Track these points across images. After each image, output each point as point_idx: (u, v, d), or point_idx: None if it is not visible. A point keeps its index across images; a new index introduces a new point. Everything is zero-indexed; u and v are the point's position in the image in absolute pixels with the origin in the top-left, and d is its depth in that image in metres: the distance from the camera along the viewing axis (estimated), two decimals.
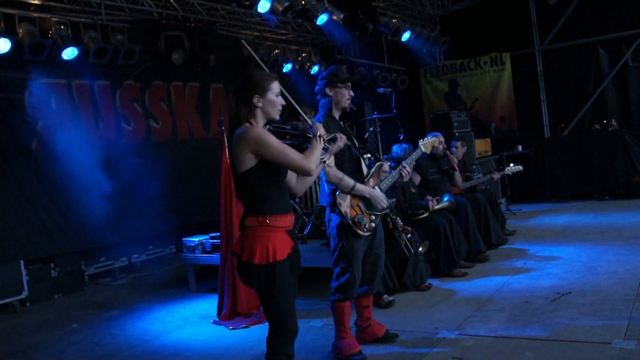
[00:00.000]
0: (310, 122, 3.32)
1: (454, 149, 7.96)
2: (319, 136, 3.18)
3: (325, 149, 3.36)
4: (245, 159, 3.01)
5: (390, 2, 11.35)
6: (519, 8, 12.26)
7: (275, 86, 3.17)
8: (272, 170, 3.07)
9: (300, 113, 3.48)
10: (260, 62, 3.47)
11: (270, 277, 3.00)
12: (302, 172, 3.13)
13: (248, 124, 3.10)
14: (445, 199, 6.70)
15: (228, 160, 3.14)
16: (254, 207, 3.08)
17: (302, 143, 3.18)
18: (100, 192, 8.36)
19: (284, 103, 3.23)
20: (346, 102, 4.36)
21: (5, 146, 7.44)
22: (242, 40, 3.67)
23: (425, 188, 7.07)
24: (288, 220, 3.16)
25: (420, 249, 5.65)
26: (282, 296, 3.03)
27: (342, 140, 3.43)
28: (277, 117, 3.19)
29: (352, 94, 4.39)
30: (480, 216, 7.34)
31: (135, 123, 9.21)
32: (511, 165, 8.36)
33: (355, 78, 4.48)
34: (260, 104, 3.12)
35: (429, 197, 6.69)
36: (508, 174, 8.46)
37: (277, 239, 3.06)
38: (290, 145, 3.10)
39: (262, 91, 3.12)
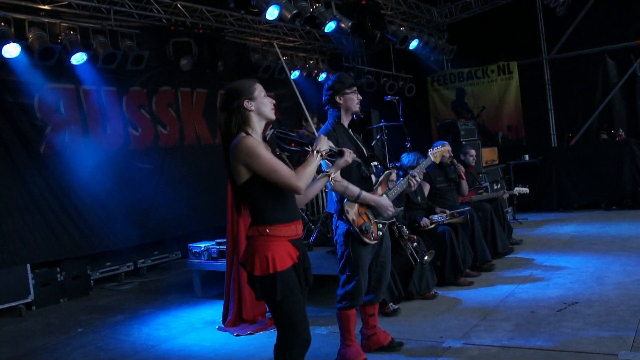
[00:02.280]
0: (315, 131, 3.23)
1: (466, 156, 7.98)
2: (317, 151, 3.06)
3: (331, 162, 3.27)
4: (240, 171, 2.94)
5: (398, 10, 11.37)
6: (526, 17, 12.26)
7: (259, 87, 3.08)
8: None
9: (307, 119, 3.43)
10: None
11: (271, 288, 2.92)
12: (291, 190, 3.00)
13: (243, 134, 2.99)
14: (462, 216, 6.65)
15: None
16: (255, 216, 3.01)
17: (306, 153, 3.09)
18: (107, 197, 8.40)
19: (274, 101, 3.14)
20: (356, 107, 4.37)
21: (14, 150, 7.49)
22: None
23: (433, 197, 7.06)
24: (292, 229, 3.04)
25: (426, 257, 5.62)
26: (290, 306, 2.95)
27: (349, 155, 3.28)
28: (273, 115, 3.09)
29: (360, 97, 4.40)
30: (486, 225, 7.33)
31: (143, 128, 9.24)
32: (519, 185, 8.33)
33: (360, 82, 4.49)
34: (252, 107, 3.01)
35: (440, 209, 6.69)
36: (515, 194, 8.43)
37: (278, 249, 2.96)
38: (293, 152, 3.04)
39: (250, 94, 3.02)
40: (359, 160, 3.44)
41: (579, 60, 11.98)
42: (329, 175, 3.27)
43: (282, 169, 2.92)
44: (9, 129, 7.48)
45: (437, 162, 5.42)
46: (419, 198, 6.69)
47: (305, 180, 2.96)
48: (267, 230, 2.96)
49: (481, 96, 13.18)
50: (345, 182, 4.12)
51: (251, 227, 3.02)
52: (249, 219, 3.10)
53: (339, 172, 3.56)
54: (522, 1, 11.93)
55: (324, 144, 3.14)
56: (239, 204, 3.11)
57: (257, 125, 3.06)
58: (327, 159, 3.24)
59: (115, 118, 8.81)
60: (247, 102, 3.01)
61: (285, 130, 3.14)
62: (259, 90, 3.07)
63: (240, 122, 3.00)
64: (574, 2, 11.35)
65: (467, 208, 6.74)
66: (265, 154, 2.92)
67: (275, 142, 3.04)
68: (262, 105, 3.05)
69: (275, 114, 3.16)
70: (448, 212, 6.62)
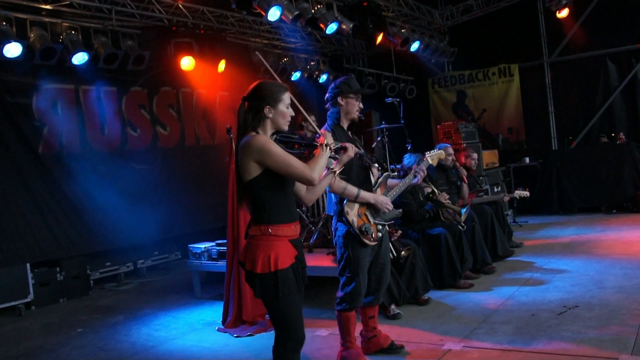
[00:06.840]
0: (318, 131, 3.29)
1: (468, 159, 8.01)
2: (326, 145, 3.16)
3: (334, 158, 3.33)
4: (250, 168, 3.02)
5: (400, 12, 11.36)
6: (528, 20, 12.26)
7: (287, 97, 3.17)
8: (277, 178, 3.06)
9: (309, 121, 3.45)
10: (271, 70, 3.45)
11: (272, 286, 2.99)
12: (305, 182, 3.12)
13: (254, 133, 3.10)
14: (463, 211, 6.66)
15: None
16: (258, 215, 3.08)
17: (310, 153, 3.16)
18: (106, 197, 8.38)
19: (293, 114, 3.22)
20: (355, 114, 4.37)
21: (13, 150, 7.49)
22: (256, 52, 3.65)
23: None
24: (292, 230, 3.14)
25: (403, 253, 5.63)
26: (287, 305, 3.03)
27: (352, 149, 3.40)
28: (286, 128, 3.19)
29: (361, 105, 4.41)
30: (486, 228, 7.33)
31: (142, 129, 9.23)
32: (520, 188, 8.33)
33: (366, 91, 4.49)
34: (270, 115, 3.12)
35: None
36: (516, 197, 8.43)
37: (280, 248, 3.05)
38: (297, 154, 3.09)
39: (274, 102, 3.12)
40: (361, 152, 3.47)
41: (580, 63, 11.98)
42: (335, 172, 3.40)
43: (295, 162, 3.03)
44: (8, 129, 7.48)
45: (435, 164, 5.44)
46: (421, 197, 6.69)
47: (318, 172, 3.07)
48: (270, 230, 3.05)
49: (482, 99, 13.18)
50: (343, 183, 4.14)
51: (253, 227, 3.09)
52: (250, 219, 3.16)
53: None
54: (523, 4, 11.92)
55: (330, 139, 3.23)
56: (242, 200, 3.18)
57: (269, 130, 3.16)
58: (331, 156, 3.29)
59: (114, 118, 8.80)
60: (268, 108, 3.12)
61: (287, 133, 3.19)
62: (285, 101, 3.16)
63: (257, 122, 3.12)
64: (575, 5, 11.33)
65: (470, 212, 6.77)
66: (279, 150, 3.02)
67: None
68: (279, 117, 3.15)
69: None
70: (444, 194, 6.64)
